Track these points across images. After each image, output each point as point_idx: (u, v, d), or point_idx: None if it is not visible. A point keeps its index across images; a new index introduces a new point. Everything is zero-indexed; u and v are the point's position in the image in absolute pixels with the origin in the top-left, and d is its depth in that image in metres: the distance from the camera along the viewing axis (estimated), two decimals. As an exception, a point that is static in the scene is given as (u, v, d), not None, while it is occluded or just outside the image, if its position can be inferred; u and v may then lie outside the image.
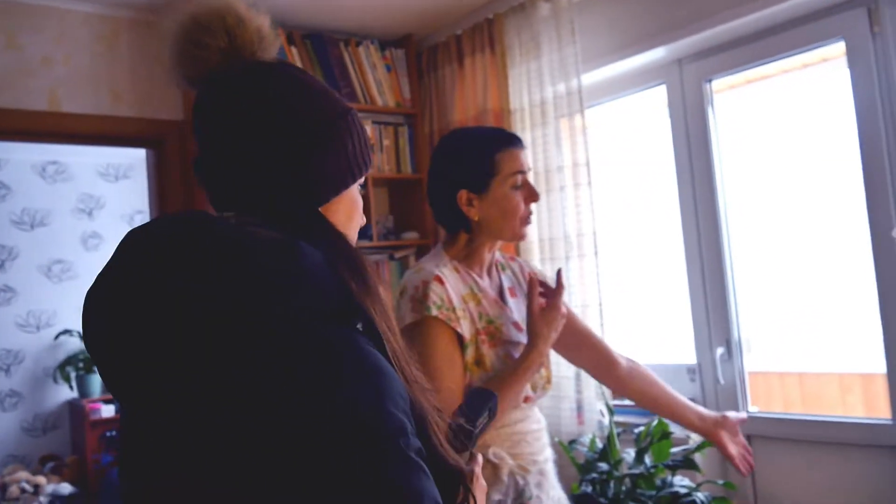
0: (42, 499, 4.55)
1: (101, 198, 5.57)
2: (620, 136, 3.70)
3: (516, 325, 1.68)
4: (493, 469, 1.57)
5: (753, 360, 2.89)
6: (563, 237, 2.96)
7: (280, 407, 0.72)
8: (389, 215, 3.62)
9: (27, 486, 4.64)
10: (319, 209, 0.91)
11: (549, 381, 1.71)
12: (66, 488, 4.70)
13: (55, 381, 5.17)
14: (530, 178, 1.70)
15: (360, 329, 0.83)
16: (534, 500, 1.61)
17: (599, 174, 3.25)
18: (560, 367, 2.91)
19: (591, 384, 2.78)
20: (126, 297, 0.77)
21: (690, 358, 2.90)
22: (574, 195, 2.92)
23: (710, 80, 2.85)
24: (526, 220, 1.66)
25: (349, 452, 0.71)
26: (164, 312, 0.74)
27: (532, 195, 1.65)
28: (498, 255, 1.79)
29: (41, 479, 4.72)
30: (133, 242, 0.81)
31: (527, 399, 1.64)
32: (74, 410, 5.18)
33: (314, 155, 0.88)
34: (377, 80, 3.49)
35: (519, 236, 1.66)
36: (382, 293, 0.88)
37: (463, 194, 1.62)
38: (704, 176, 2.83)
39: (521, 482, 1.60)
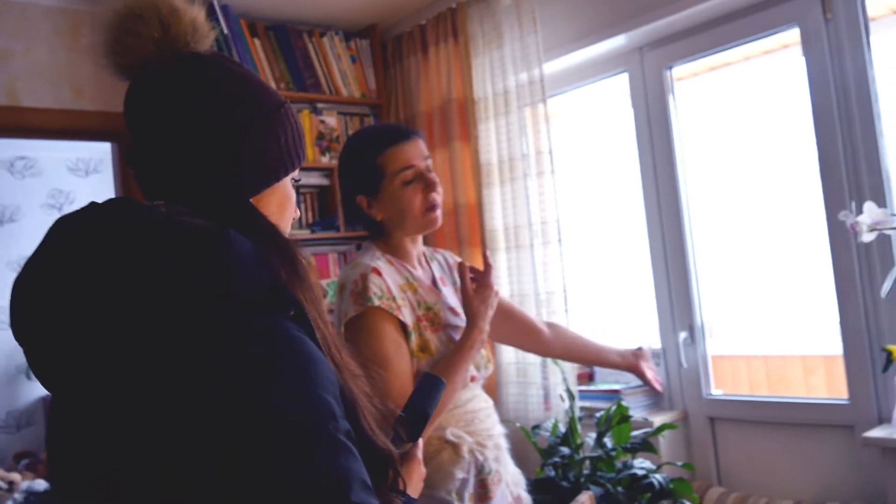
0: (17, 495, 4.54)
1: (71, 192, 5.53)
2: (584, 125, 3.72)
3: (452, 310, 1.73)
4: (453, 448, 1.61)
5: (717, 344, 2.94)
6: (528, 225, 2.98)
7: (208, 392, 0.73)
8: (357, 206, 3.61)
9: (2, 484, 4.62)
10: (251, 200, 0.92)
11: (489, 360, 1.76)
12: (40, 484, 4.68)
13: (28, 377, 5.14)
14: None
15: (292, 316, 0.84)
16: (493, 475, 1.66)
17: (563, 162, 3.28)
18: (527, 354, 2.94)
19: (556, 371, 2.81)
20: (50, 284, 0.78)
21: (655, 343, 2.94)
22: (538, 183, 2.94)
23: (670, 68, 2.87)
24: (431, 209, 1.68)
25: (279, 435, 0.72)
26: (88, 300, 0.75)
27: (429, 185, 1.67)
28: (423, 247, 1.83)
29: (16, 476, 4.70)
30: (59, 230, 0.82)
31: (472, 378, 1.69)
32: (48, 407, 5.15)
33: (246, 146, 0.90)
34: (342, 71, 3.48)
35: (430, 225, 1.70)
36: (313, 282, 0.89)
37: (362, 199, 1.69)
38: (666, 163, 2.86)
39: (480, 458, 1.64)
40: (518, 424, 2.77)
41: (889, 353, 2.10)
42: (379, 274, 1.60)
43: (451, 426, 1.64)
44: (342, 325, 1.59)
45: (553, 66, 3.06)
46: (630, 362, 2.03)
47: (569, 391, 2.60)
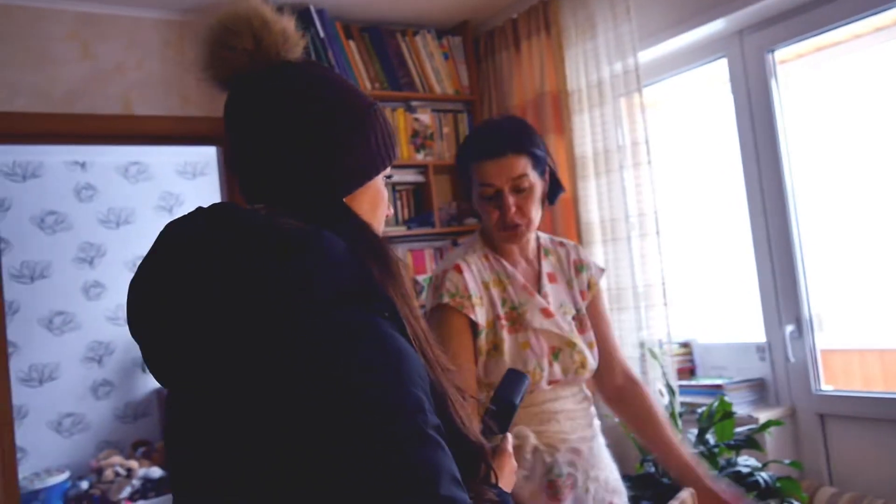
0: (135, 482, 4.80)
1: (181, 194, 5.80)
2: (682, 113, 3.62)
3: (545, 311, 1.69)
4: (516, 448, 1.59)
5: (827, 337, 2.81)
6: (625, 217, 2.94)
7: (304, 387, 0.76)
8: (452, 202, 3.65)
9: (120, 470, 4.90)
10: (344, 200, 0.95)
11: (582, 365, 1.68)
12: (156, 472, 4.95)
13: (143, 370, 5.43)
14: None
15: (384, 313, 0.87)
16: (565, 478, 1.62)
17: (660, 153, 3.21)
18: (626, 347, 2.89)
19: (655, 365, 2.75)
20: (161, 286, 0.83)
21: (759, 336, 2.84)
22: (634, 175, 2.89)
23: (772, 51, 2.77)
24: (508, 227, 1.65)
25: (370, 429, 0.74)
26: (196, 301, 0.80)
27: (504, 211, 1.63)
28: (545, 239, 1.81)
29: (133, 464, 4.98)
30: (169, 234, 0.87)
31: (554, 382, 1.66)
32: (162, 398, 5.44)
33: (338, 148, 0.93)
34: (435, 69, 3.52)
35: (505, 240, 1.69)
36: (405, 279, 0.91)
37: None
38: (769, 150, 2.76)
39: (548, 459, 1.62)
40: (617, 420, 2.73)
41: None
42: (460, 271, 1.63)
43: (521, 424, 1.62)
44: (426, 316, 1.63)
45: (648, 55, 2.99)
46: (700, 493, 1.62)
47: (669, 386, 2.54)
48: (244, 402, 0.78)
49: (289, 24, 0.97)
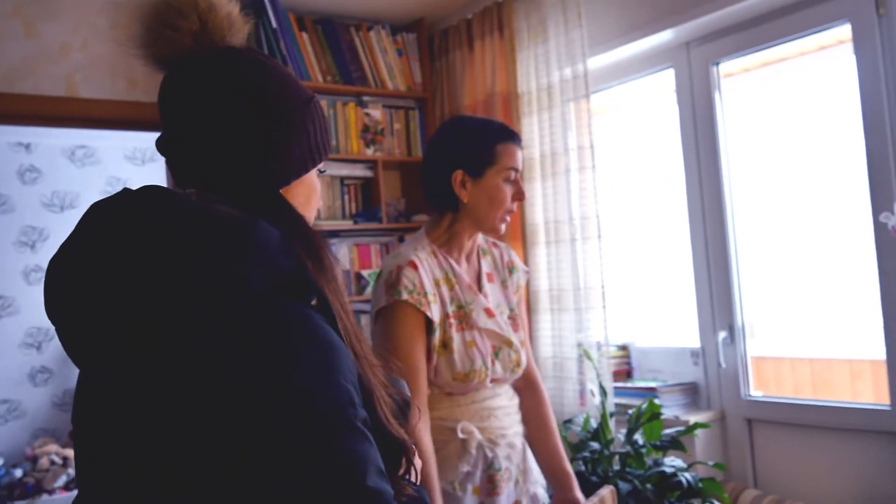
0: (70, 471, 4.71)
1: (129, 180, 5.69)
2: (629, 121, 3.69)
3: (488, 311, 1.73)
4: (461, 443, 1.64)
5: (760, 345, 2.89)
6: (568, 220, 2.98)
7: (232, 377, 0.76)
8: (401, 198, 3.66)
9: (56, 459, 4.80)
10: (280, 191, 0.95)
11: (518, 364, 1.74)
12: (93, 461, 4.85)
13: (84, 358, 5.32)
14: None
15: (315, 306, 0.87)
16: (503, 471, 1.68)
17: (607, 158, 3.26)
18: (564, 348, 2.94)
19: (590, 367, 2.80)
20: (81, 267, 0.80)
21: (695, 342, 2.91)
22: (579, 178, 2.93)
23: (717, 63, 2.83)
24: (508, 213, 1.72)
25: (300, 420, 0.75)
26: (116, 284, 0.78)
27: (519, 193, 1.72)
28: (481, 239, 1.84)
29: (70, 452, 4.88)
30: (93, 215, 0.84)
31: (494, 380, 1.71)
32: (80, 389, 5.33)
33: (276, 138, 0.92)
34: (388, 65, 3.52)
35: (497, 230, 1.73)
36: (337, 273, 0.92)
37: (458, 174, 1.69)
38: (710, 160, 2.83)
39: (489, 454, 1.66)
40: (551, 419, 2.78)
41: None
42: (415, 268, 1.63)
43: (465, 420, 1.67)
44: (375, 312, 1.63)
45: (598, 62, 3.04)
46: (559, 496, 1.80)
47: (601, 387, 2.59)
48: (168, 389, 0.77)
49: (235, 8, 0.96)
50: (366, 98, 3.48)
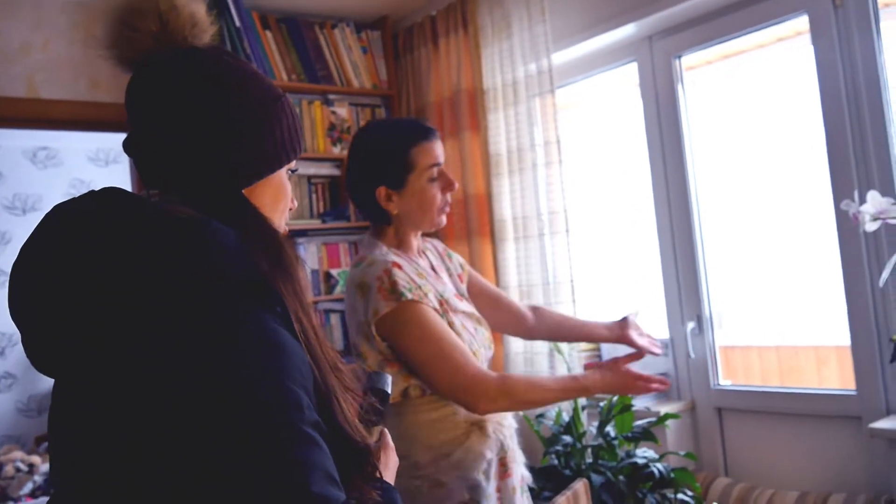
0: (37, 478, 4.63)
1: (92, 181, 5.60)
2: (594, 115, 3.72)
3: (457, 296, 1.77)
4: (479, 429, 1.64)
5: (728, 334, 2.93)
6: (536, 215, 2.99)
7: (178, 379, 0.75)
8: (369, 196, 3.64)
9: (22, 466, 4.72)
10: (243, 191, 0.94)
11: (492, 341, 1.79)
12: (62, 469, 4.78)
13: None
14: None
15: (274, 308, 0.86)
16: (510, 452, 1.70)
17: (573, 152, 3.28)
18: (535, 343, 2.95)
19: (560, 360, 2.82)
20: (39, 269, 0.81)
21: (663, 333, 2.94)
22: (546, 173, 2.95)
23: (679, 56, 2.86)
24: (443, 209, 1.72)
25: (242, 423, 0.74)
26: (70, 285, 0.78)
27: (448, 185, 1.71)
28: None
29: (36, 459, 4.80)
30: (52, 217, 0.84)
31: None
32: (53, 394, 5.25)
33: (237, 137, 0.91)
34: (353, 63, 3.50)
35: (437, 225, 1.74)
36: (299, 274, 0.91)
37: (382, 191, 1.67)
38: (675, 152, 2.85)
39: (500, 437, 1.68)
40: (522, 413, 2.79)
41: (895, 343, 2.09)
42: (400, 268, 1.63)
43: None
44: (373, 322, 1.59)
45: (562, 57, 3.05)
46: (617, 333, 1.95)
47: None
48: (120, 391, 0.77)
49: (198, 8, 0.95)
50: (331, 96, 3.46)
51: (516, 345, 3.06)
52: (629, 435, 2.34)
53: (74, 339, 0.79)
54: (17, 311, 0.83)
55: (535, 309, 2.05)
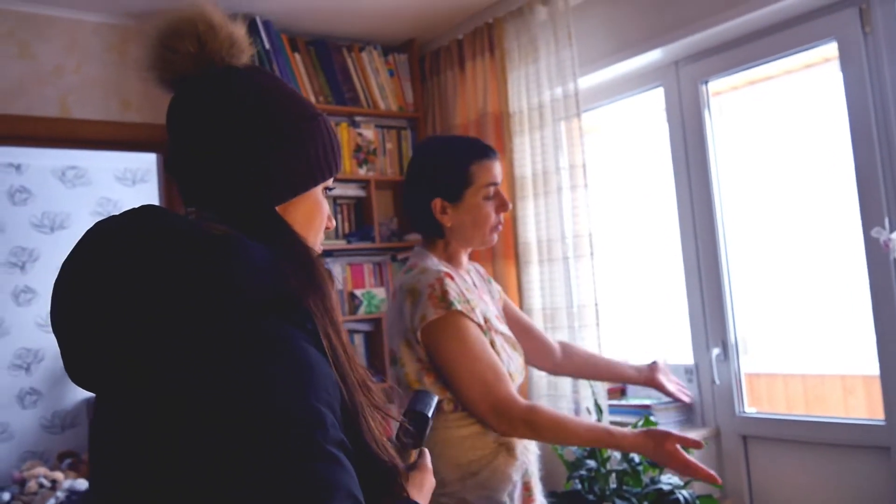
0: (59, 494, 4.65)
1: (119, 201, 5.68)
2: (620, 139, 3.72)
3: (497, 317, 1.79)
4: (507, 451, 1.64)
5: (753, 361, 2.90)
6: (561, 238, 2.99)
7: (206, 393, 0.76)
8: (394, 217, 3.67)
9: (45, 482, 4.75)
10: (277, 209, 0.95)
11: (524, 367, 1.80)
12: (82, 484, 4.80)
13: (74, 380, 5.27)
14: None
15: (305, 325, 0.86)
16: (533, 477, 1.71)
17: (598, 177, 3.28)
18: (558, 367, 2.94)
19: (585, 385, 2.80)
20: (75, 284, 0.82)
21: (688, 359, 2.91)
22: (571, 197, 2.95)
23: (706, 82, 2.86)
24: (496, 228, 1.75)
25: (265, 441, 0.74)
26: (104, 299, 0.79)
27: (503, 205, 1.75)
28: None
29: (59, 475, 4.83)
30: (91, 234, 0.86)
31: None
32: (91, 408, 5.29)
33: (272, 156, 0.93)
34: (380, 85, 3.54)
35: (488, 243, 1.77)
36: (329, 292, 0.92)
37: (437, 202, 1.71)
38: (701, 177, 2.85)
39: (525, 461, 1.69)
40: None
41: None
42: (453, 279, 1.65)
43: None
44: (420, 328, 1.60)
45: (588, 81, 3.07)
46: (647, 376, 1.97)
47: (597, 404, 2.59)
48: (149, 405, 0.78)
49: (238, 30, 0.97)
50: (358, 118, 3.50)
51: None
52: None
53: (107, 353, 0.80)
54: (57, 325, 0.84)
55: (563, 345, 2.06)
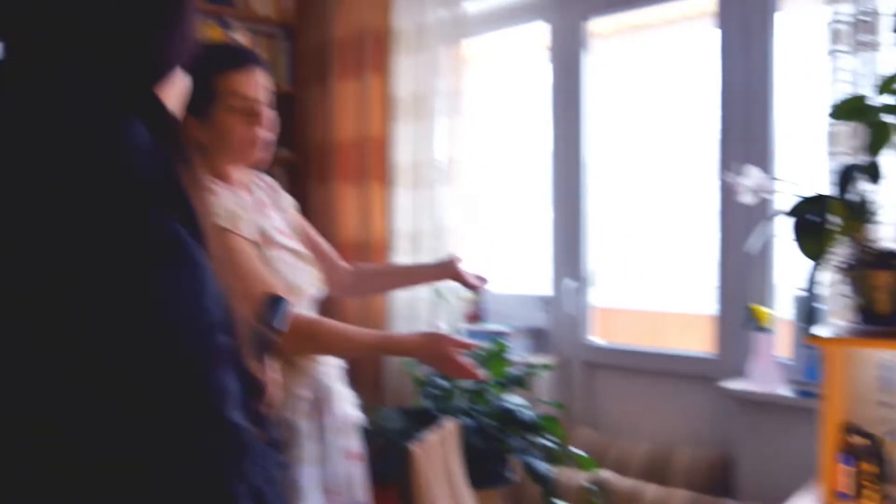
0: None
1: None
2: (501, 70, 3.73)
3: (280, 231, 1.69)
4: (292, 367, 1.59)
5: (603, 295, 3.03)
6: (431, 163, 2.97)
7: (100, 296, 0.69)
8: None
9: None
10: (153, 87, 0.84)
11: (321, 280, 1.74)
12: None
13: None
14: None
15: (188, 224, 0.78)
16: (335, 395, 1.65)
17: (476, 105, 3.27)
18: (420, 290, 2.96)
19: (444, 307, 2.84)
20: None
21: (547, 290, 3.01)
22: (447, 123, 2.93)
23: (587, 19, 2.88)
24: (253, 143, 1.60)
25: (163, 342, 0.69)
26: None
27: (255, 119, 1.59)
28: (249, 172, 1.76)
29: None
30: None
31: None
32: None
33: (158, 22, 0.83)
34: (256, -15, 3.35)
35: (248, 160, 1.63)
36: (205, 191, 0.85)
37: (188, 121, 1.54)
38: (572, 115, 2.90)
39: (317, 375, 1.64)
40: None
41: (750, 311, 2.24)
42: (214, 195, 1.54)
43: None
44: None
45: (476, 5, 3.02)
46: (446, 268, 1.94)
47: (454, 327, 2.64)
48: (31, 293, 0.69)
49: None
50: (229, 19, 3.30)
51: (400, 290, 3.05)
52: (502, 381, 2.39)
53: None
54: None
55: (357, 265, 2.01)
